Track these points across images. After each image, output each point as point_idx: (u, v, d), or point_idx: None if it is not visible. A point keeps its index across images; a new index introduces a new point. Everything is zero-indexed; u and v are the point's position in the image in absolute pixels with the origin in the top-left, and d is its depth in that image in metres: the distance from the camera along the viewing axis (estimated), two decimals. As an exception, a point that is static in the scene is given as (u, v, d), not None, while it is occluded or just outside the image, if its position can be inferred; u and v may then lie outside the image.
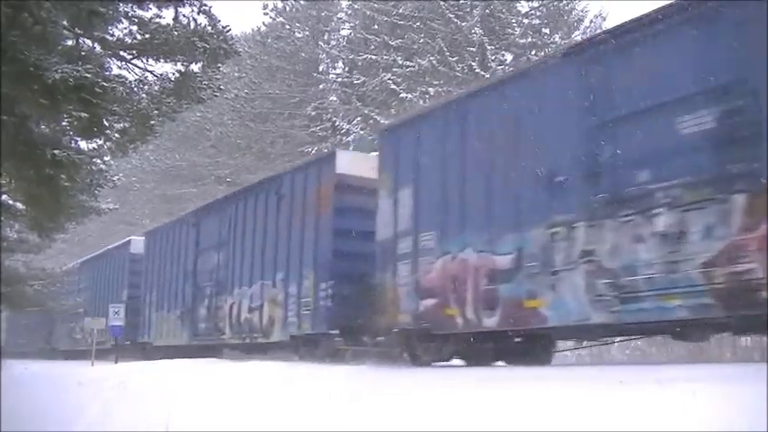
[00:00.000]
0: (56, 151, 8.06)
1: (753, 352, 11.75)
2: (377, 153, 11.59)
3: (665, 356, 13.49)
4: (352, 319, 10.92)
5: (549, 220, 7.76)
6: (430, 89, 21.38)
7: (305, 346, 12.02)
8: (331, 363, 10.84)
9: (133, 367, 14.38)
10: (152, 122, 8.42)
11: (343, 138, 23.40)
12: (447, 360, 9.85)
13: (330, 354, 11.31)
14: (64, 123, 8.64)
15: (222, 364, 12.30)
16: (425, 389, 6.72)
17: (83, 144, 9.84)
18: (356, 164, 11.77)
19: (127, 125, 8.55)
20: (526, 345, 9.31)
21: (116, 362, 17.89)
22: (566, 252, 7.54)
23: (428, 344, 9.58)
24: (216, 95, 9.69)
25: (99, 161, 10.33)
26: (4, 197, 12.77)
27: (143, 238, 20.90)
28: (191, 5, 8.33)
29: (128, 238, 22.59)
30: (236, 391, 7.96)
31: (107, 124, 8.29)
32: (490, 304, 8.37)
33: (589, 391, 4.99)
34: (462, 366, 9.91)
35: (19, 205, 12.80)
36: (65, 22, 7.87)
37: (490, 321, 8.39)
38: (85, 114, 7.36)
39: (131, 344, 19.68)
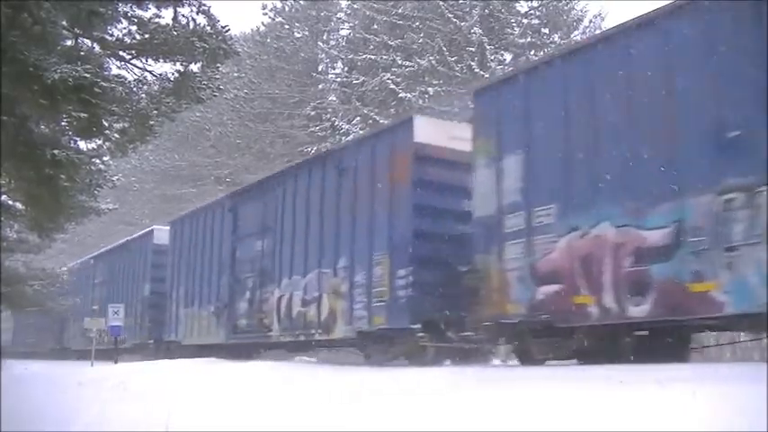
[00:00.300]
0: (55, 151, 8.07)
1: (752, 352, 11.76)
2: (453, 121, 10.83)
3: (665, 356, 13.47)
4: (438, 311, 9.51)
5: (720, 184, 6.43)
6: (429, 89, 21.39)
7: (375, 344, 10.61)
8: (408, 363, 9.99)
9: (133, 367, 14.38)
10: (151, 122, 8.43)
11: (343, 138, 23.38)
12: (566, 359, 8.23)
13: (410, 351, 10.01)
14: (63, 123, 8.65)
15: (222, 364, 12.29)
16: (426, 389, 6.71)
17: (82, 144, 9.86)
18: (436, 131, 10.27)
19: (126, 125, 8.56)
20: (658, 340, 7.80)
21: (116, 362, 17.83)
22: (748, 223, 6.21)
23: (546, 339, 8.15)
24: (215, 95, 9.69)
25: (98, 161, 10.32)
26: (3, 197, 12.77)
27: (167, 227, 19.09)
28: (190, 5, 8.33)
29: (150, 228, 20.80)
30: (236, 391, 7.96)
31: (106, 124, 8.31)
32: (638, 289, 7.00)
33: (589, 390, 4.99)
34: (464, 366, 9.88)
35: (19, 205, 12.79)
36: (64, 23, 7.88)
37: (638, 310, 7.00)
38: (85, 114, 7.37)
39: (155, 343, 18.24)
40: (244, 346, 14.22)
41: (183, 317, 16.52)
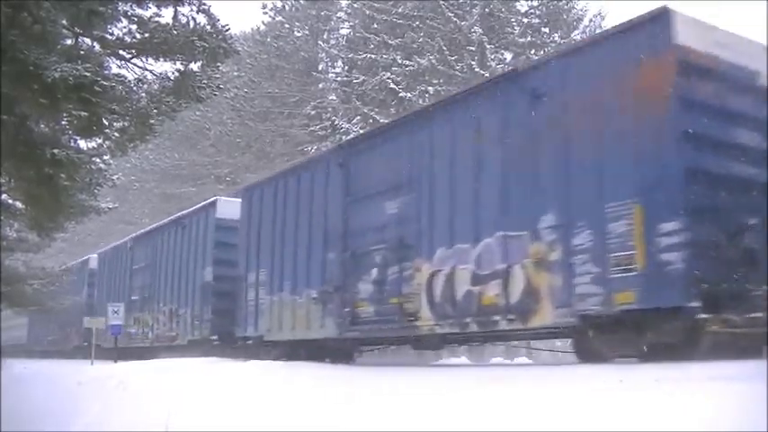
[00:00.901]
0: (55, 150, 8.08)
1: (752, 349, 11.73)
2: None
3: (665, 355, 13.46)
4: (720, 283, 6.84)
5: None
6: (429, 88, 21.39)
7: (608, 333, 7.58)
8: (669, 359, 6.68)
9: (133, 367, 14.37)
10: (151, 121, 8.43)
11: (343, 137, 23.40)
12: None
13: (685, 340, 6.90)
14: (63, 122, 8.66)
15: (222, 364, 12.28)
16: (425, 389, 6.71)
17: (82, 143, 9.87)
18: (699, 34, 7.40)
19: (126, 124, 8.56)
20: None
21: (116, 361, 17.78)
22: None
23: None
24: (215, 94, 9.67)
25: (98, 160, 10.32)
26: (3, 196, 12.79)
27: (233, 199, 16.09)
28: (190, 4, 8.33)
29: (212, 199, 17.03)
30: (236, 391, 7.96)
31: (106, 123, 8.31)
32: None
33: (588, 390, 4.99)
34: (462, 366, 9.86)
35: (19, 204, 12.82)
36: (64, 22, 7.88)
37: None
38: (85, 113, 7.37)
39: (220, 339, 15.09)
40: (369, 340, 11.51)
41: (266, 306, 13.06)
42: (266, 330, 13.02)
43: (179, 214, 18.74)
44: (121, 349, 18.81)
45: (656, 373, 5.27)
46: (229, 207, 15.63)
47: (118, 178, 14.21)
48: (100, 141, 9.49)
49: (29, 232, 15.83)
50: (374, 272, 10.49)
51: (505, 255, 8.45)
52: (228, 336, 14.50)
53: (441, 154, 9.62)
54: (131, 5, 8.35)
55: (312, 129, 25.77)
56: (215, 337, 15.23)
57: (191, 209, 18.21)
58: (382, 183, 10.52)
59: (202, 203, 17.49)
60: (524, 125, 8.45)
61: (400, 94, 21.94)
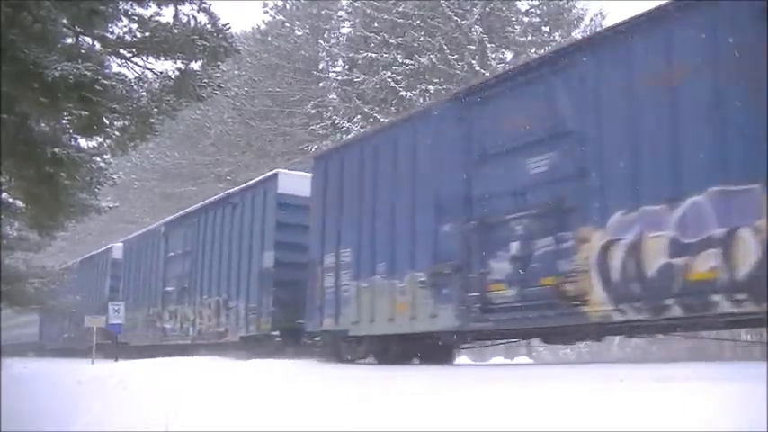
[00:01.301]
0: (56, 150, 8.07)
1: (752, 348, 11.76)
2: None
3: (666, 354, 13.50)
4: None
5: None
6: (430, 87, 21.41)
7: None
8: None
9: (133, 366, 14.38)
10: (152, 120, 8.42)
11: (344, 136, 23.40)
12: None
13: None
14: (64, 122, 8.64)
15: (222, 363, 12.28)
16: (428, 389, 6.72)
17: (83, 142, 9.85)
18: None
19: (127, 123, 8.54)
20: None
21: (116, 360, 17.77)
22: None
23: None
24: (216, 94, 9.64)
25: (99, 159, 10.31)
26: (4, 195, 12.79)
27: (297, 172, 14.27)
28: (190, 3, 8.32)
29: (271, 172, 14.69)
30: (237, 391, 7.96)
31: (107, 122, 8.30)
32: None
33: (589, 389, 4.99)
34: (465, 365, 9.85)
35: (19, 203, 12.82)
36: (64, 21, 7.87)
37: None
38: (85, 112, 7.36)
39: (283, 335, 13.05)
40: (507, 332, 9.60)
41: (351, 294, 10.89)
42: (351, 323, 10.80)
43: (227, 192, 16.09)
44: (156, 347, 17.10)
45: (656, 373, 5.27)
46: (292, 181, 13.54)
47: (118, 177, 14.14)
48: (100, 140, 9.47)
49: (29, 231, 15.80)
50: (513, 246, 8.44)
51: (726, 215, 6.49)
52: (294, 331, 12.50)
53: (612, 92, 7.61)
54: (132, 4, 8.33)
55: (312, 128, 25.79)
56: (277, 333, 13.15)
57: (243, 185, 15.59)
58: (522, 135, 8.48)
59: (259, 178, 14.98)
60: (747, 43, 6.39)
61: (401, 93, 21.95)
